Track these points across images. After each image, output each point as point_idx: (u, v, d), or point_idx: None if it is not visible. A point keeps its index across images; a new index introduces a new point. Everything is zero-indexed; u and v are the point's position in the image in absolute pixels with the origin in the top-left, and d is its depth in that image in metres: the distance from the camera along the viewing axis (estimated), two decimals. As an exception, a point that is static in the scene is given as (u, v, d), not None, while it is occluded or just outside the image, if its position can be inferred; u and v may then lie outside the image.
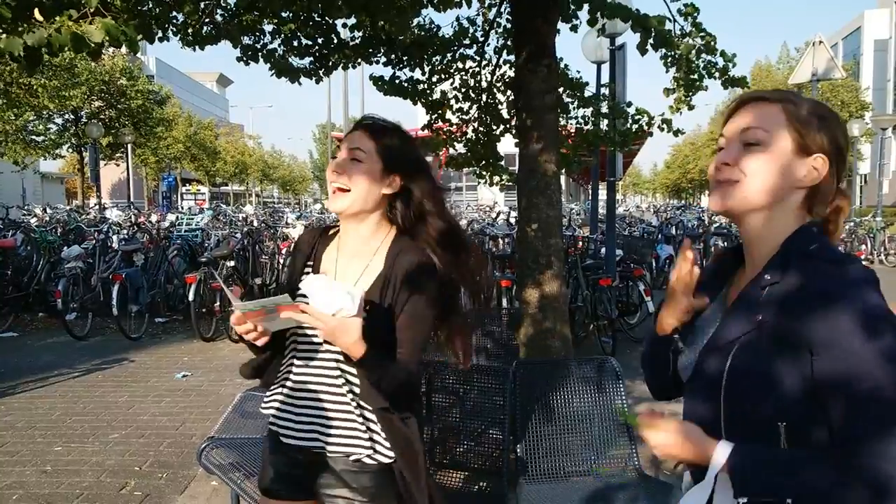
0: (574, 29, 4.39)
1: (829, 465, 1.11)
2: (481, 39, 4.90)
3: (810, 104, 1.30)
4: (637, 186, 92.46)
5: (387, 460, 1.70)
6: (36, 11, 1.95)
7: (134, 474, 4.23)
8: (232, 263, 8.12)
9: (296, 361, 1.77)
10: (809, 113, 1.27)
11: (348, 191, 1.69)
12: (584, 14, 3.85)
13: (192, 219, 11.97)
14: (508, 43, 4.85)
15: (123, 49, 2.29)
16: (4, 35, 1.74)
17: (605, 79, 8.44)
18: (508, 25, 4.70)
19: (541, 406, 3.11)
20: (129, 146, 24.87)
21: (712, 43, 4.45)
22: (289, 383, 1.77)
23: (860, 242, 12.63)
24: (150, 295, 8.68)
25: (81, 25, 1.78)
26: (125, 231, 10.75)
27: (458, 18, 4.87)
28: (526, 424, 3.02)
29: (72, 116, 23.95)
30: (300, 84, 4.88)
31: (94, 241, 9.53)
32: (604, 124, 5.16)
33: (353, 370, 1.68)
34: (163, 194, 41.53)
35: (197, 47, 3.92)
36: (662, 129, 4.85)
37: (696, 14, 4.41)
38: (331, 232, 1.85)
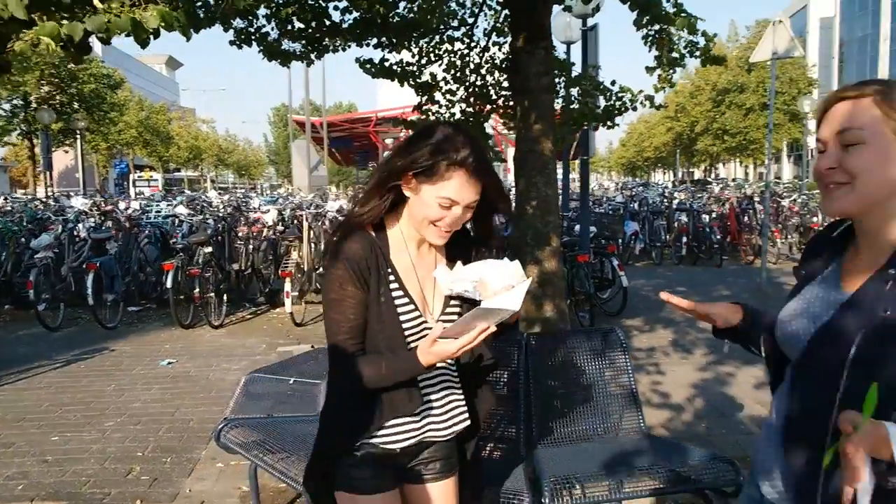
0: (567, 9, 4.49)
1: None
2: (470, 21, 4.97)
3: None
4: (593, 165, 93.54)
5: (468, 422, 1.84)
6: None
7: (138, 460, 4.24)
8: (209, 249, 8.05)
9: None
10: None
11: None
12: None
13: (159, 205, 11.77)
14: (497, 25, 4.94)
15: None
16: (65, 21, 1.75)
17: (574, 58, 8.59)
18: (498, 8, 4.78)
19: (551, 375, 3.25)
20: (81, 132, 24.14)
21: (694, 23, 4.60)
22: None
23: (812, 215, 13.18)
24: (123, 283, 8.56)
25: (135, 12, 1.80)
26: (92, 219, 10.51)
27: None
28: (538, 393, 3.16)
29: (21, 102, 23.10)
30: (288, 67, 4.89)
31: (60, 230, 9.32)
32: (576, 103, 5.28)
33: None
34: (115, 181, 40.47)
35: (191, 31, 3.88)
36: (645, 105, 5.01)
37: (678, -6, 4.53)
38: (366, 242, 1.70)
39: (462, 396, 1.84)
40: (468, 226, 1.82)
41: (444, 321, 1.71)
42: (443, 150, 1.61)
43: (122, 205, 12.37)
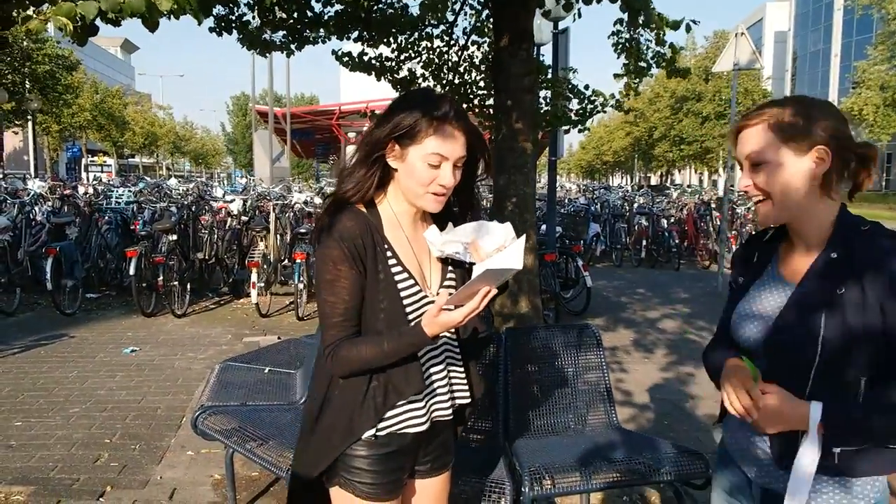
0: (546, 15, 4.60)
1: None
2: (450, 20, 5.02)
3: (792, 107, 1.44)
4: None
5: (468, 398, 1.83)
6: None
7: (106, 447, 4.19)
8: (174, 237, 7.93)
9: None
10: (793, 116, 1.42)
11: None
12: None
13: (119, 190, 11.50)
14: (478, 25, 5.01)
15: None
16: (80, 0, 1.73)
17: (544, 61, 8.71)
18: (479, 8, 4.85)
19: (528, 369, 3.34)
20: (33, 113, 23.37)
21: (662, 35, 4.75)
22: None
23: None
24: (83, 269, 8.38)
25: (147, -7, 1.78)
26: (49, 203, 10.23)
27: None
28: (516, 387, 3.25)
29: (-30, 80, 22.27)
30: (265, 57, 4.87)
31: (16, 213, 9.06)
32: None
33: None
34: (66, 165, 39.31)
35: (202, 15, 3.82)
36: (615, 108, 5.15)
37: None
38: (360, 219, 1.67)
39: (462, 371, 1.82)
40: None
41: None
42: (423, 108, 1.61)
43: (80, 189, 12.06)
